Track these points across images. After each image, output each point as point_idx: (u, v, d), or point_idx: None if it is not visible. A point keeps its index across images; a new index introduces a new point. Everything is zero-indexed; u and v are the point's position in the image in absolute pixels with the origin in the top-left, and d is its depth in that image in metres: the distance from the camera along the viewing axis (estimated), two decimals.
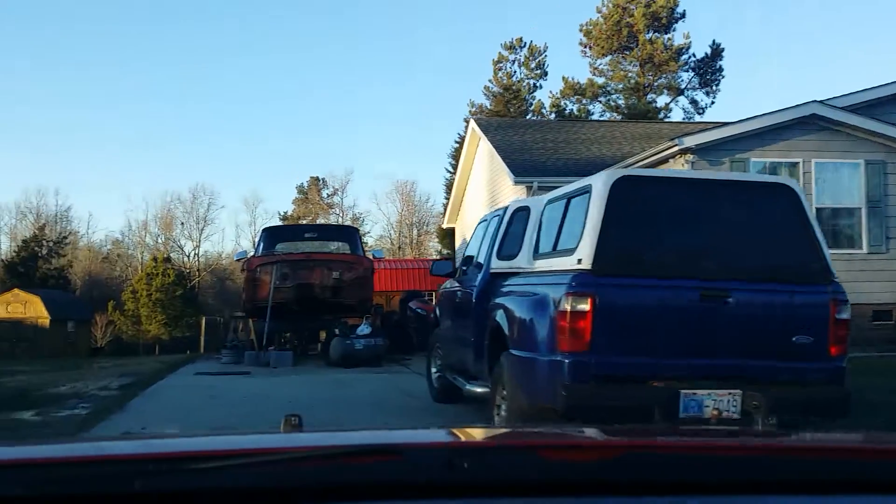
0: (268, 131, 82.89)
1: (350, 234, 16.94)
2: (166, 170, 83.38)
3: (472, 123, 18.72)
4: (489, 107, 34.67)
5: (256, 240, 16.67)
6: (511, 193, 15.70)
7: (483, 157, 18.64)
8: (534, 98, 37.13)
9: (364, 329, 10.96)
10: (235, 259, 16.97)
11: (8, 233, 58.24)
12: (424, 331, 13.57)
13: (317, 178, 56.40)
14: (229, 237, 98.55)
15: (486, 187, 18.20)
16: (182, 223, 58.36)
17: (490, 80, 37.35)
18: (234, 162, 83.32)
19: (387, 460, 1.06)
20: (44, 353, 30.17)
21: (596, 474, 1.09)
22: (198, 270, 56.98)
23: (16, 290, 36.93)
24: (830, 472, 1.12)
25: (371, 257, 14.80)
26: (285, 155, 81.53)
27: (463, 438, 1.43)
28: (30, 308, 36.64)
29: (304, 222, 49.02)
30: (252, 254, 15.10)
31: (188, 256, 58.23)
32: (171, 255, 54.98)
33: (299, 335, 13.54)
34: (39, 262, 51.21)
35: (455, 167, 38.69)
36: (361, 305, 13.23)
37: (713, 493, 1.07)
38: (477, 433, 1.60)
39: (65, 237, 56.16)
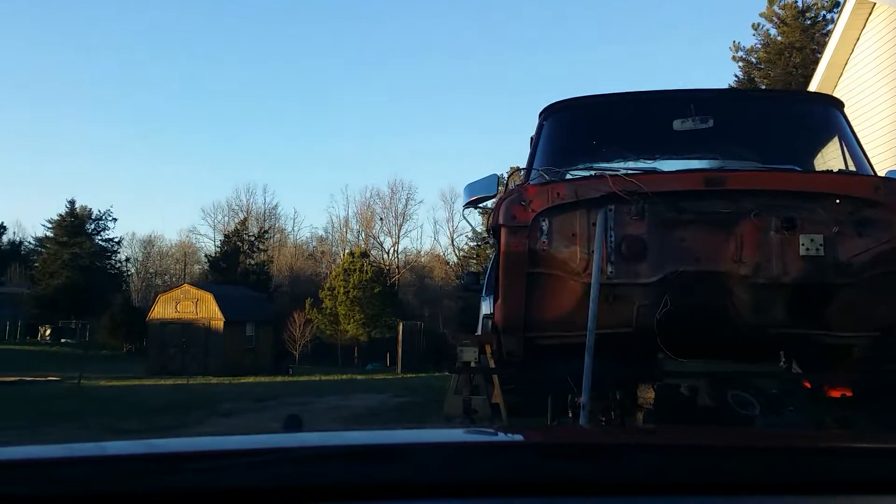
0: (467, 123, 78.35)
1: (825, 120, 4.35)
2: (367, 166, 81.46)
3: None
4: (778, 38, 25.62)
5: (530, 147, 4.59)
6: None
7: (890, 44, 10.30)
8: (832, 22, 27.65)
9: None
10: (465, 203, 4.09)
11: (221, 230, 57.17)
12: None
13: (518, 168, 50.20)
14: (427, 234, 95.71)
15: None
16: (381, 219, 55.48)
17: (761, 15, 28.49)
18: (432, 156, 79.66)
19: (387, 460, 1.06)
20: (214, 363, 24.82)
21: (596, 474, 1.04)
22: (397, 268, 53.41)
23: (186, 287, 31.94)
24: (830, 472, 1.06)
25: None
26: (484, 148, 76.62)
27: (463, 438, 1.38)
28: (202, 307, 30.70)
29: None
30: (513, 182, 4.60)
31: (388, 254, 54.94)
32: (372, 252, 51.34)
33: (601, 393, 3.82)
34: (241, 257, 49.20)
35: None
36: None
37: (713, 493, 1.02)
38: (477, 433, 1.57)
39: (265, 231, 54.28)
